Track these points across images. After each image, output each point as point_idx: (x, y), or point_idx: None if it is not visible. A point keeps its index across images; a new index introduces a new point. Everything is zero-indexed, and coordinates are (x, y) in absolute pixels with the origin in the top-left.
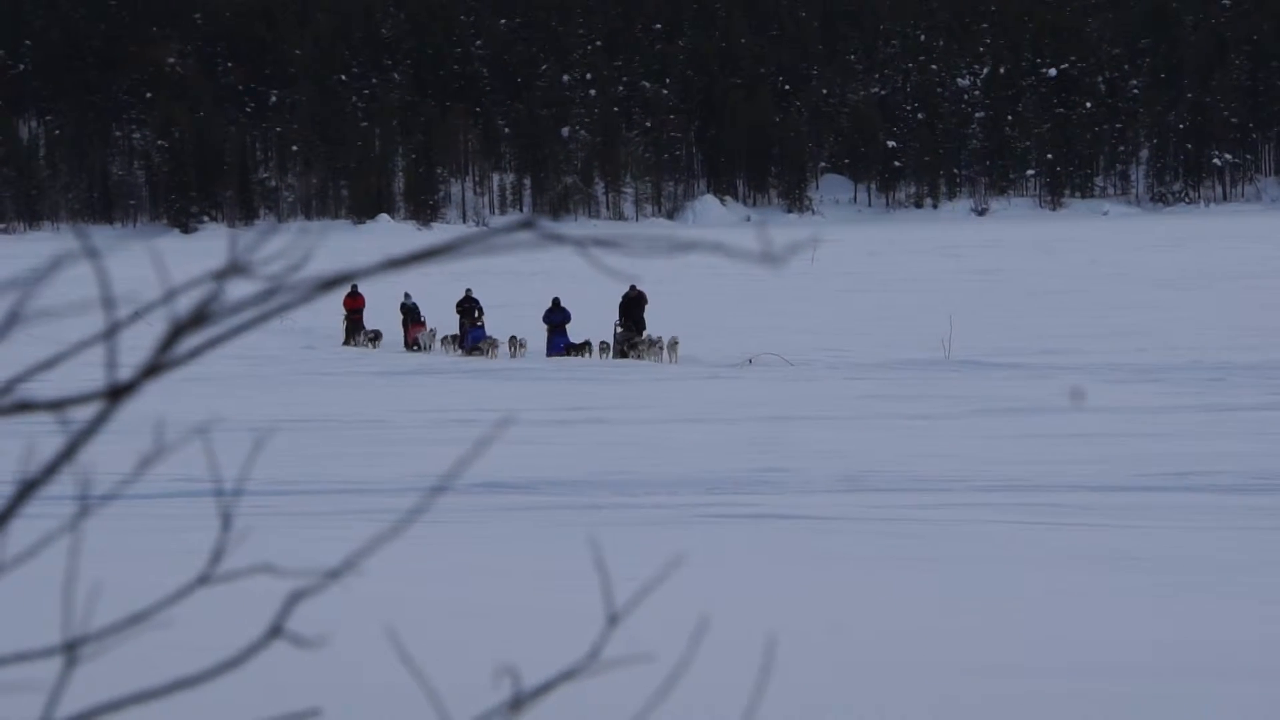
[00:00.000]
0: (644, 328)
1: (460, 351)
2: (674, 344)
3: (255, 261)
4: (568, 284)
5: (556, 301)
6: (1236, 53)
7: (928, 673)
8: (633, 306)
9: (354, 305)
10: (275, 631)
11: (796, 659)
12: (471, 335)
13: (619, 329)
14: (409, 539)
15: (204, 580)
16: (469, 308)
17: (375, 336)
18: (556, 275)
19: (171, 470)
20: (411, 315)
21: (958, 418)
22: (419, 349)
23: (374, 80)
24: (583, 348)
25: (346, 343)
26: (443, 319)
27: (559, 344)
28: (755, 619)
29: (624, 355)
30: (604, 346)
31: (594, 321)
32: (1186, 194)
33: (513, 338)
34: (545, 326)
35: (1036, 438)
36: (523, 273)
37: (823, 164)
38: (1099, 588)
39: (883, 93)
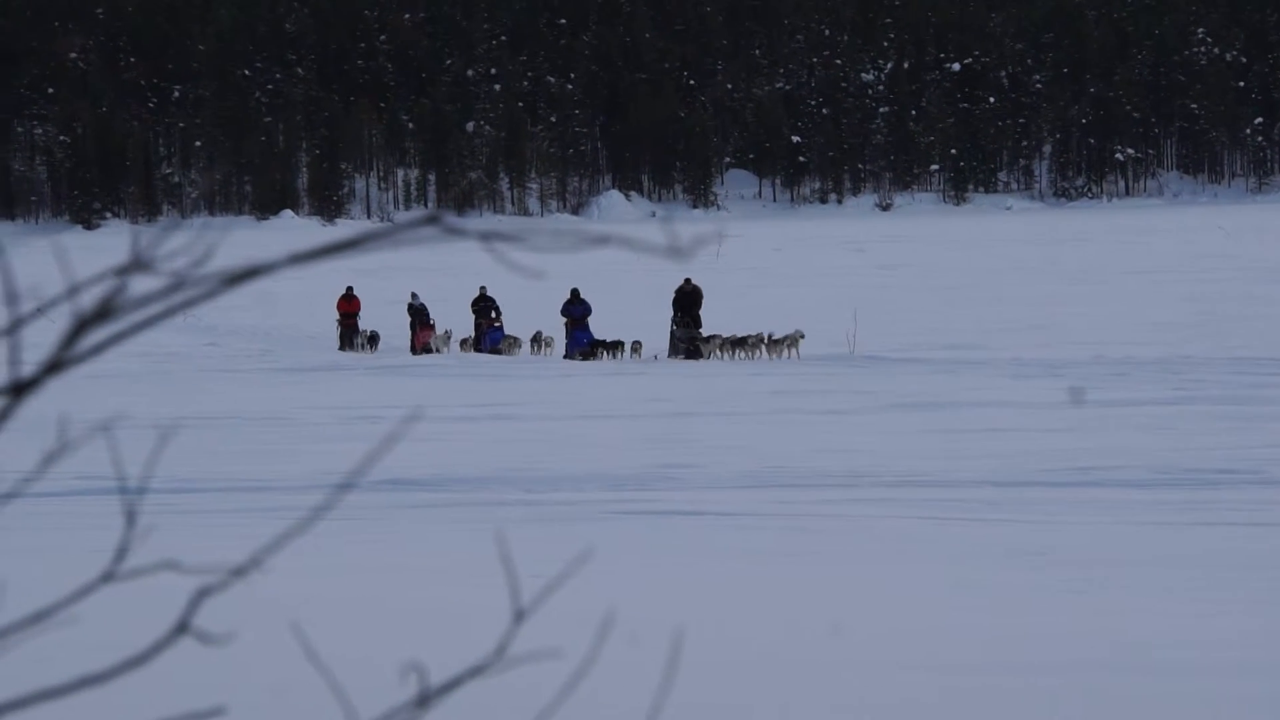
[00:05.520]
0: (700, 324)
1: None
2: (795, 339)
3: (158, 257)
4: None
5: (576, 293)
6: (1139, 48)
7: (831, 669)
8: (689, 302)
9: (349, 309)
10: (181, 629)
11: (700, 655)
12: (490, 336)
13: (676, 326)
14: (315, 536)
15: (108, 578)
16: (485, 307)
17: (373, 339)
18: (461, 271)
19: (75, 468)
20: (420, 317)
21: (863, 413)
22: (431, 352)
23: (278, 75)
24: (615, 347)
25: (343, 348)
26: (453, 321)
27: (581, 339)
28: (659, 615)
29: (691, 355)
30: (636, 347)
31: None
32: (1090, 189)
33: (537, 335)
34: (564, 321)
35: (941, 433)
36: (428, 269)
37: (727, 159)
38: (1005, 583)
39: (787, 88)
